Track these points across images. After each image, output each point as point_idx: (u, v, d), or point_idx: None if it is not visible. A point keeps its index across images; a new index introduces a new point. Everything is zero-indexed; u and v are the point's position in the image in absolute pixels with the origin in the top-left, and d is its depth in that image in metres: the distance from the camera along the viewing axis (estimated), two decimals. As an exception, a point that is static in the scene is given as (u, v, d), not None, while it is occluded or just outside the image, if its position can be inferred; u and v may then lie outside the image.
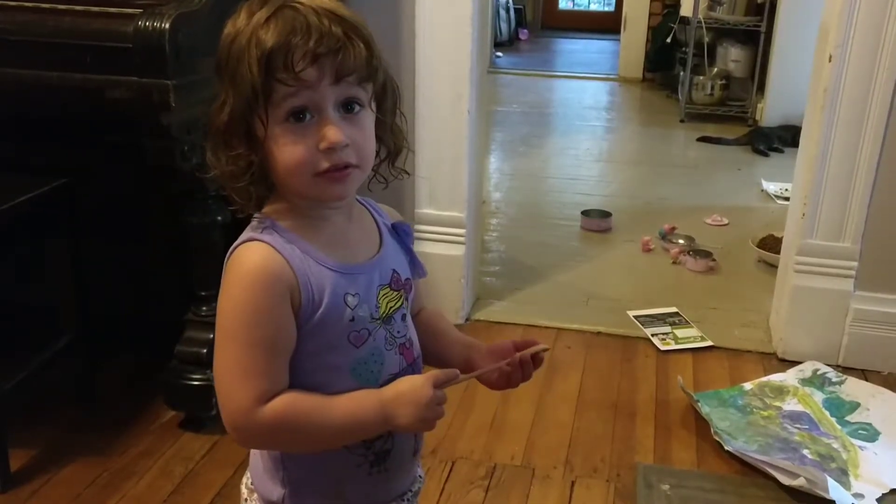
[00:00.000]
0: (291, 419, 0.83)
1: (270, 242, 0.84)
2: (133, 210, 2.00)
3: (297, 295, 0.83)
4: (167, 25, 1.48)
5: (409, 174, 0.98)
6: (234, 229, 0.92)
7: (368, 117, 0.86)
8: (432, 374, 0.86)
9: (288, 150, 0.82)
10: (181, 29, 1.51)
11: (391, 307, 0.90)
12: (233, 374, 0.83)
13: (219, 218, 1.72)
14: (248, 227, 0.87)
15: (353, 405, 0.85)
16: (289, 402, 0.83)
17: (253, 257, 0.83)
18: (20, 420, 1.73)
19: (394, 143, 0.91)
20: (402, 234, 0.96)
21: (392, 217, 0.98)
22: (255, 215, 0.88)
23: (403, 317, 0.92)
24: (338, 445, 0.88)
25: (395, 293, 0.91)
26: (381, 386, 0.87)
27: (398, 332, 0.91)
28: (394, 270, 0.91)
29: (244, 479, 0.97)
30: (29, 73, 1.56)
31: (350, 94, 0.83)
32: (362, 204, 0.95)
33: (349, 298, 0.86)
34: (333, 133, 0.81)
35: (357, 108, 0.84)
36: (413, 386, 0.85)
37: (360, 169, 0.85)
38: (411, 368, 0.92)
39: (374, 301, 0.88)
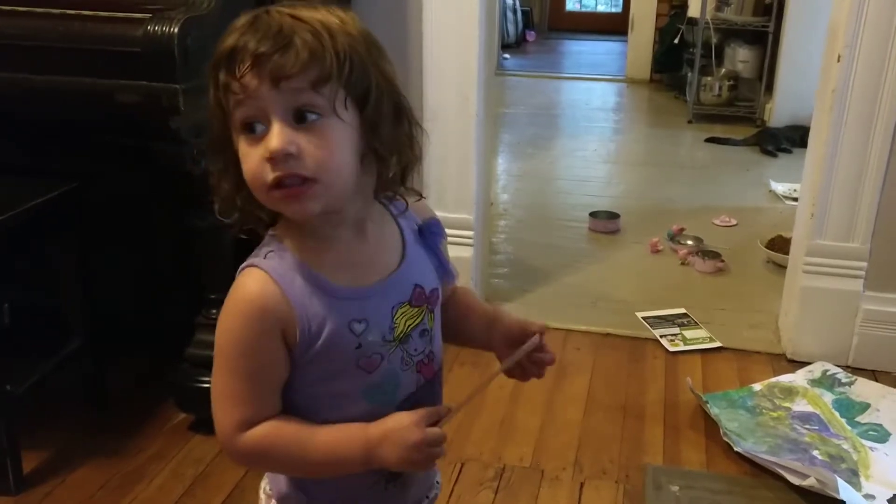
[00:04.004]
0: (269, 449, 0.83)
1: (270, 271, 0.81)
2: (142, 213, 2.01)
3: (292, 327, 0.81)
4: (176, 30, 1.49)
5: (421, 196, 0.91)
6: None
7: (332, 127, 0.77)
8: (423, 413, 0.82)
9: (245, 162, 0.78)
10: (190, 33, 1.51)
11: (409, 325, 0.87)
12: (220, 398, 0.83)
13: (227, 222, 1.73)
14: (257, 248, 0.85)
15: (335, 442, 0.83)
16: (269, 431, 0.82)
17: (249, 287, 0.81)
18: (32, 423, 1.74)
19: (395, 154, 0.82)
20: (429, 236, 0.91)
21: (421, 215, 0.92)
22: (267, 236, 0.86)
23: (423, 332, 0.88)
24: (326, 476, 0.88)
25: (416, 310, 0.87)
26: (399, 407, 0.85)
27: (415, 349, 0.88)
28: (416, 285, 0.87)
29: (262, 484, 0.96)
30: (39, 78, 1.57)
31: (301, 101, 0.76)
32: (387, 208, 0.89)
33: (355, 325, 0.83)
34: (273, 140, 0.75)
35: (312, 116, 0.76)
36: (400, 426, 0.82)
37: (319, 184, 0.77)
38: (430, 384, 0.90)
39: (387, 323, 0.85)
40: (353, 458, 0.83)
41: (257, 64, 0.75)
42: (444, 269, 0.92)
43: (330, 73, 0.76)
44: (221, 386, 0.83)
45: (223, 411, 0.83)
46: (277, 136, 0.76)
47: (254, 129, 0.77)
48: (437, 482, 1.01)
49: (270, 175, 0.77)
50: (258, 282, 0.81)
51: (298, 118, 0.76)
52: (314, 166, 0.77)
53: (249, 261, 0.84)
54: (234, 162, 0.81)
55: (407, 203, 0.90)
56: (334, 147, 0.78)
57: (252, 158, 0.78)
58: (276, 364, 0.82)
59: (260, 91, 0.75)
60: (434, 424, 0.83)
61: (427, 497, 0.98)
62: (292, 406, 0.85)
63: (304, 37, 0.75)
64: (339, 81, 0.77)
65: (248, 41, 0.75)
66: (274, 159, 0.76)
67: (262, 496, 0.96)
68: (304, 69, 0.75)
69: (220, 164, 0.82)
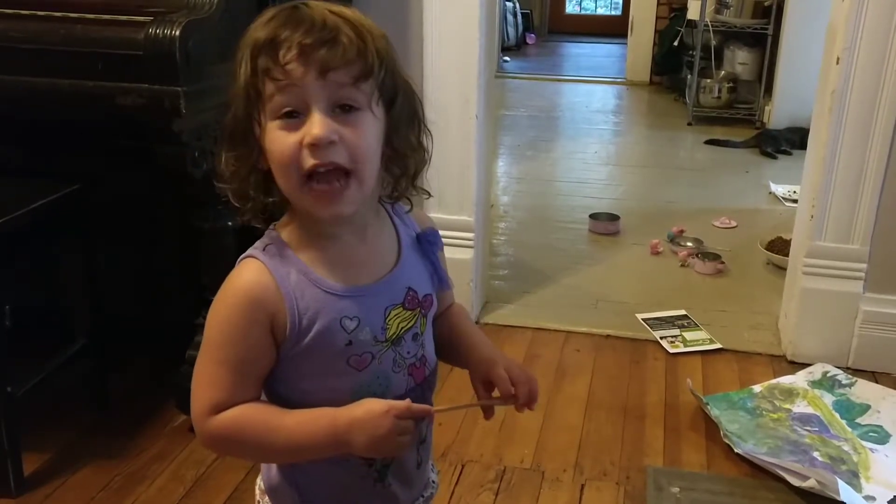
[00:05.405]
0: (237, 432, 0.83)
1: (267, 263, 0.83)
2: (143, 214, 2.01)
3: (281, 320, 0.82)
4: (177, 33, 1.50)
5: (430, 195, 0.94)
6: (245, 234, 0.92)
7: (368, 121, 0.80)
8: (395, 404, 0.81)
9: (276, 147, 0.79)
10: (191, 36, 1.52)
11: (402, 328, 0.87)
12: (199, 380, 0.84)
13: (230, 223, 1.73)
14: (258, 241, 0.86)
15: (304, 426, 0.82)
16: (237, 415, 0.83)
17: (243, 278, 0.83)
18: (33, 424, 1.74)
19: (412, 157, 0.86)
20: (426, 245, 0.92)
21: (420, 223, 0.94)
22: (268, 230, 0.86)
23: (415, 336, 0.89)
24: (294, 461, 0.89)
25: (409, 313, 0.88)
26: None
27: (408, 352, 0.88)
28: (409, 288, 0.88)
29: (258, 481, 0.97)
30: (41, 81, 1.58)
31: (343, 95, 0.78)
32: (387, 211, 0.91)
33: (346, 322, 0.83)
34: (318, 127, 0.77)
35: (353, 109, 0.79)
36: (370, 414, 0.81)
37: (354, 178, 0.80)
38: (420, 388, 0.90)
39: (380, 323, 0.86)
40: (320, 444, 0.83)
41: (304, 53, 0.77)
42: (438, 276, 0.93)
43: (371, 71, 0.79)
44: (202, 368, 0.84)
45: (199, 393, 0.84)
46: (320, 123, 0.77)
47: (294, 115, 0.78)
48: (434, 481, 1.01)
49: (309, 162, 0.78)
50: (253, 273, 0.83)
51: (339, 110, 0.79)
52: (351, 156, 0.79)
53: (248, 252, 0.86)
54: (253, 148, 0.81)
55: (412, 205, 0.92)
56: (367, 138, 0.81)
57: (287, 144, 0.79)
58: (259, 354, 0.83)
59: (306, 80, 0.77)
60: (401, 419, 0.81)
61: (423, 496, 0.99)
62: (284, 403, 0.86)
63: (348, 33, 0.78)
64: (376, 80, 0.80)
65: (293, 31, 0.77)
66: (317, 146, 0.78)
67: (257, 491, 0.97)
68: (349, 64, 0.78)
69: (241, 148, 0.83)
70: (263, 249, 0.84)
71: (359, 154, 0.80)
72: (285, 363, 0.84)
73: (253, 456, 0.90)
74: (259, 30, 0.79)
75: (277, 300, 0.82)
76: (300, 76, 0.77)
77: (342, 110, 0.79)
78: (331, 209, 0.81)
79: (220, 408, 0.83)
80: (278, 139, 0.79)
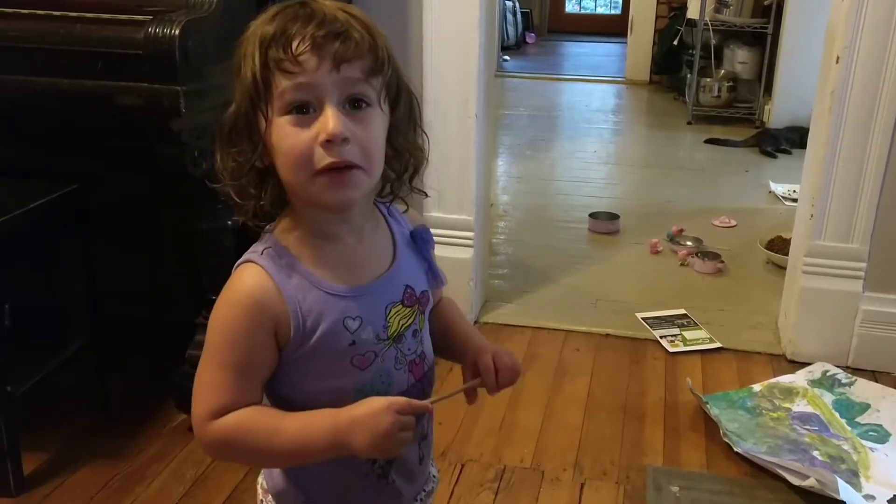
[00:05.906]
0: (237, 438, 0.83)
1: (266, 267, 0.82)
2: (143, 214, 2.01)
3: (285, 323, 0.82)
4: (177, 32, 1.50)
5: (427, 195, 0.95)
6: (244, 233, 0.92)
7: (377, 118, 0.81)
8: (395, 400, 0.81)
9: (288, 143, 0.78)
10: (191, 35, 1.52)
11: (402, 325, 0.88)
12: (200, 383, 0.84)
13: (228, 223, 1.73)
14: (254, 245, 0.86)
15: (305, 429, 0.82)
16: (238, 420, 0.82)
17: (244, 282, 0.83)
18: (33, 424, 1.75)
19: (411, 156, 0.88)
20: (420, 242, 0.93)
21: (413, 222, 0.95)
22: (263, 233, 0.86)
23: (415, 333, 0.90)
24: (296, 465, 0.89)
25: (408, 310, 0.89)
26: None
27: (408, 349, 0.89)
28: (407, 286, 0.89)
29: (259, 480, 0.97)
30: (40, 80, 1.58)
31: (356, 90, 0.79)
32: (380, 211, 0.92)
33: (349, 322, 0.84)
34: (333, 123, 0.77)
35: (364, 105, 0.80)
36: (371, 412, 0.80)
37: (364, 172, 0.80)
38: (420, 384, 0.91)
39: (381, 321, 0.86)
40: (321, 446, 0.82)
41: (317, 46, 0.77)
42: (433, 273, 0.93)
43: (382, 67, 0.80)
44: (204, 373, 0.84)
45: (201, 398, 0.84)
46: (335, 119, 0.78)
47: (305, 111, 0.78)
48: (434, 476, 1.02)
49: (325, 160, 0.78)
50: (254, 277, 0.83)
51: (350, 105, 0.79)
52: (361, 153, 0.80)
53: (246, 256, 0.85)
54: (257, 144, 0.81)
55: (408, 206, 0.93)
56: (376, 136, 0.82)
57: (299, 140, 0.78)
58: (262, 358, 0.83)
59: (319, 73, 0.77)
60: (402, 414, 0.81)
61: (424, 490, 0.99)
62: (286, 404, 0.86)
63: (358, 28, 0.79)
64: (383, 78, 0.81)
65: (304, 25, 0.77)
66: (332, 142, 0.77)
67: (259, 490, 0.97)
68: (361, 57, 0.79)
69: (243, 144, 0.82)
70: (261, 253, 0.84)
71: (370, 153, 0.81)
72: (288, 365, 0.84)
73: (254, 461, 0.90)
74: (266, 24, 0.79)
75: (279, 303, 0.82)
76: (313, 68, 0.77)
77: (352, 107, 0.79)
78: (340, 194, 0.80)
79: (221, 412, 0.83)
80: (290, 135, 0.78)
